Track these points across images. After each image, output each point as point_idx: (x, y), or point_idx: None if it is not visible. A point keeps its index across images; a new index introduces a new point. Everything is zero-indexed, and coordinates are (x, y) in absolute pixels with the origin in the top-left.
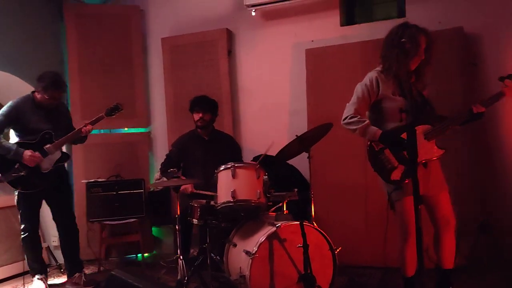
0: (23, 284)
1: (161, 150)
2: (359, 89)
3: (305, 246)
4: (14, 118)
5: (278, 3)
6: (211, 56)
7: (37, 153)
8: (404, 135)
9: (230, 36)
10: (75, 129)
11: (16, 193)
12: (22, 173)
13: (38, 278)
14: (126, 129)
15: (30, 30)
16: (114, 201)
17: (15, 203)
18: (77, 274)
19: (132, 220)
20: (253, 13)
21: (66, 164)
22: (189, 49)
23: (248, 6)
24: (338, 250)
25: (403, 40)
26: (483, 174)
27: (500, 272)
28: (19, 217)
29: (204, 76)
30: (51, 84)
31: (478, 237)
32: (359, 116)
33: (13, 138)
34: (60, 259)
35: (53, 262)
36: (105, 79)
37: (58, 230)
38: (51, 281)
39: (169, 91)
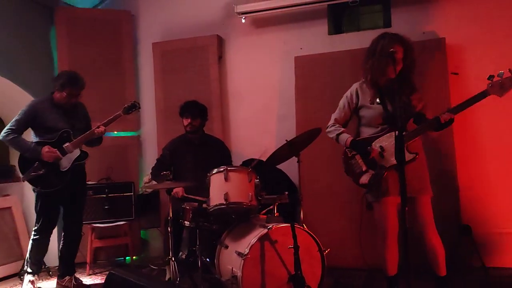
0: (18, 284)
1: (150, 154)
2: (341, 101)
3: (296, 248)
4: (33, 117)
5: (268, 11)
6: (202, 61)
7: (54, 149)
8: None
9: (220, 42)
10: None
11: (35, 194)
12: (41, 172)
13: (29, 280)
14: (116, 132)
15: (21, 33)
16: (104, 203)
17: (34, 204)
18: (67, 277)
19: (122, 223)
20: (243, 21)
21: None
22: (180, 54)
23: (239, 13)
24: (326, 251)
25: (391, 50)
26: (463, 179)
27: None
28: (36, 217)
29: (194, 81)
30: (68, 81)
31: (458, 240)
32: (337, 125)
33: (32, 139)
34: (49, 262)
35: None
36: (95, 83)
37: (64, 231)
38: (40, 283)
39: (159, 95)
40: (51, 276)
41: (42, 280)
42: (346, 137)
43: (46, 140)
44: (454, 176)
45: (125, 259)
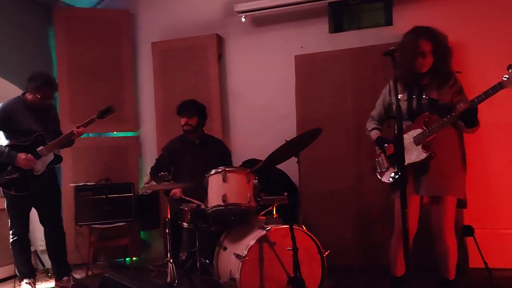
0: (17, 285)
1: (150, 154)
2: (380, 96)
3: (295, 249)
4: (5, 120)
5: (268, 9)
6: (201, 61)
7: (30, 156)
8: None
9: (220, 41)
10: (62, 133)
11: (6, 198)
12: (15, 176)
13: (26, 282)
14: (115, 132)
15: (19, 33)
16: (103, 204)
17: (5, 207)
18: (65, 278)
19: (121, 224)
20: (243, 19)
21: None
22: (179, 53)
23: (238, 12)
24: (326, 253)
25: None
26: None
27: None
28: (9, 221)
29: (194, 81)
30: (43, 83)
31: (461, 240)
32: (373, 121)
33: (3, 141)
34: (48, 263)
35: (40, 266)
36: (94, 83)
37: (45, 234)
38: (39, 285)
39: (158, 95)
40: (50, 277)
41: (41, 282)
42: (374, 134)
43: (20, 144)
44: None
45: (125, 260)
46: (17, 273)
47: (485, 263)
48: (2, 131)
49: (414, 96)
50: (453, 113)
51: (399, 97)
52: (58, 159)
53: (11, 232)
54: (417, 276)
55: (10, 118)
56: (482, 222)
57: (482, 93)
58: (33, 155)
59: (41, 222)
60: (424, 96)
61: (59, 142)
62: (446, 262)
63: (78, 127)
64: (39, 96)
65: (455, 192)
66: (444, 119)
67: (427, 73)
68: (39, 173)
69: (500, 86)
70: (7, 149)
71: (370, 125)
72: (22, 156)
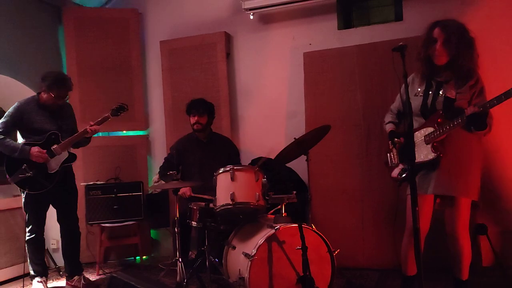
0: (23, 286)
1: (159, 153)
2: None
3: (304, 248)
4: (19, 119)
5: (276, 6)
6: (210, 59)
7: (44, 150)
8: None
9: (228, 39)
10: (79, 131)
11: (24, 195)
12: (29, 174)
13: (38, 281)
14: (124, 131)
15: (29, 33)
16: (113, 203)
17: (22, 205)
18: (76, 277)
19: (131, 222)
20: (251, 17)
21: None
22: (188, 52)
23: (246, 9)
24: (336, 252)
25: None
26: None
27: (497, 273)
28: (26, 219)
29: (202, 79)
30: (55, 82)
31: (474, 238)
32: (391, 115)
33: (19, 140)
34: (59, 262)
35: (52, 265)
36: (103, 82)
37: (61, 232)
38: (50, 283)
39: (167, 94)
40: (61, 276)
41: (53, 280)
42: (388, 127)
43: (34, 142)
44: None
45: (135, 259)
46: (30, 271)
47: (499, 262)
48: (18, 130)
49: (430, 92)
50: (463, 117)
51: (415, 92)
52: (72, 157)
53: (27, 229)
54: (428, 276)
55: (23, 117)
56: (496, 220)
57: (495, 98)
58: (47, 154)
59: (58, 220)
60: (441, 94)
61: (72, 140)
62: (460, 263)
63: (91, 125)
64: (52, 96)
65: (469, 194)
66: (455, 122)
67: (446, 68)
68: (54, 171)
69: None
70: (21, 145)
71: (387, 117)
72: (35, 149)
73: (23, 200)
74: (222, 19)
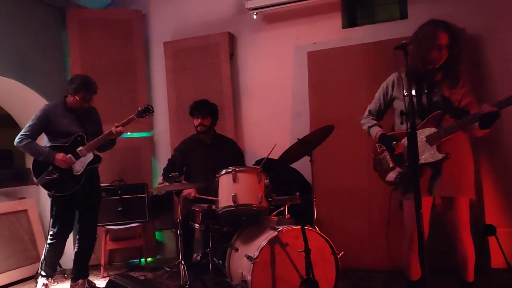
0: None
1: (164, 155)
2: (378, 91)
3: (307, 251)
4: (46, 122)
5: (279, 6)
6: (213, 59)
7: (69, 155)
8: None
9: (232, 39)
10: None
11: (50, 198)
12: (55, 175)
13: (44, 283)
14: (129, 133)
15: (34, 36)
16: (117, 205)
17: (49, 208)
18: (80, 281)
19: (136, 224)
20: (255, 16)
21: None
22: (191, 53)
23: (250, 9)
24: (340, 254)
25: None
26: (487, 176)
27: (507, 275)
28: (50, 221)
29: (206, 80)
30: (81, 86)
31: (483, 239)
32: (370, 117)
33: (45, 143)
34: (65, 264)
35: (58, 268)
36: (108, 84)
37: (79, 234)
38: (54, 286)
39: (171, 95)
40: (66, 278)
41: (58, 283)
42: (376, 131)
43: (60, 144)
44: (477, 172)
45: (140, 261)
46: (40, 271)
47: (508, 263)
48: (45, 133)
49: (424, 93)
50: (476, 114)
51: (406, 93)
52: (97, 159)
53: (50, 232)
54: (432, 279)
55: (49, 120)
56: (505, 221)
57: (506, 98)
58: (73, 156)
59: (78, 221)
60: (436, 94)
61: (98, 142)
62: (465, 265)
63: (116, 127)
64: (78, 99)
65: (468, 193)
66: (465, 119)
67: (439, 69)
68: (79, 173)
69: None
70: (47, 149)
71: (369, 121)
72: (60, 155)
73: (50, 203)
74: (226, 19)
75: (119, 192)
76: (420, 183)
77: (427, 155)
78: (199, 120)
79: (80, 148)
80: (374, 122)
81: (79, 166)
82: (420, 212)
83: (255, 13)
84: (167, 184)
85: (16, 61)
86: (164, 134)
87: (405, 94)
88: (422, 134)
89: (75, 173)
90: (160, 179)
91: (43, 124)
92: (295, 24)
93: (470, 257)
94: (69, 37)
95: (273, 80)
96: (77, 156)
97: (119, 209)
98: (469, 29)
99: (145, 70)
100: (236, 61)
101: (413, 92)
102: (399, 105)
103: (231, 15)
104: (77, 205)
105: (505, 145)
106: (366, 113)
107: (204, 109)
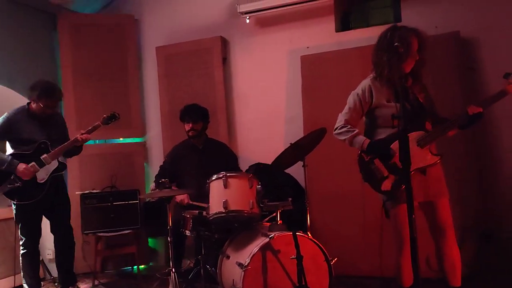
0: None
1: (156, 160)
2: (351, 99)
3: (299, 257)
4: (8, 129)
5: (272, 9)
6: (206, 64)
7: (31, 165)
8: (393, 144)
9: (224, 43)
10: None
11: (14, 206)
12: (18, 184)
13: None
14: (121, 139)
15: (24, 40)
16: (109, 212)
17: (14, 216)
18: None
19: (128, 231)
20: (247, 21)
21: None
22: (184, 57)
23: (242, 13)
24: (334, 261)
25: (395, 44)
26: (486, 181)
27: (504, 281)
28: (18, 231)
29: (199, 85)
30: (44, 92)
31: (480, 245)
32: (349, 126)
33: (9, 151)
34: (55, 272)
35: (48, 276)
36: (99, 89)
37: (55, 243)
38: None
39: (164, 100)
40: (56, 287)
41: None
42: (362, 140)
43: (23, 152)
44: (475, 177)
45: (132, 268)
46: (24, 284)
47: (507, 269)
48: (7, 140)
49: (403, 98)
50: (464, 115)
51: (386, 99)
52: (62, 166)
53: (20, 243)
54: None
55: (12, 127)
56: (502, 226)
57: (488, 97)
58: (36, 163)
59: (51, 231)
60: (412, 98)
61: (62, 149)
62: (454, 270)
63: (81, 134)
64: (41, 105)
65: (447, 193)
66: (454, 121)
67: (408, 75)
68: (43, 181)
69: (503, 93)
70: (9, 158)
71: (348, 130)
72: (22, 166)
73: (14, 212)
74: (218, 23)
75: (111, 198)
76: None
77: (420, 159)
78: (190, 125)
79: (44, 155)
80: (356, 131)
81: (43, 174)
82: (413, 218)
83: (247, 17)
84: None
85: (6, 67)
86: (156, 139)
87: (387, 101)
88: (412, 139)
89: (39, 181)
90: (152, 185)
91: (5, 132)
92: (288, 28)
93: (458, 262)
94: (60, 42)
95: (266, 84)
96: (41, 164)
97: (111, 215)
98: (463, 32)
99: (137, 75)
100: (229, 66)
101: (393, 100)
102: (383, 112)
103: (224, 19)
104: (44, 213)
105: (500, 144)
106: (342, 123)
107: (195, 114)
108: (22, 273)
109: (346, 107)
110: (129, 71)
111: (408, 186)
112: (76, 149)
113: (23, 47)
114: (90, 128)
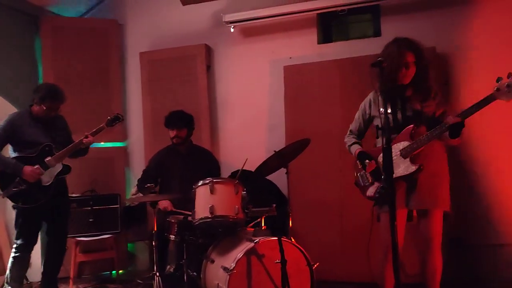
0: None
1: (138, 165)
2: (358, 110)
3: (283, 262)
4: (11, 132)
5: (256, 20)
6: (190, 71)
7: (37, 167)
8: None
9: (209, 51)
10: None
11: (15, 210)
12: (23, 187)
13: None
14: (102, 143)
15: (4, 43)
16: (88, 216)
17: (14, 220)
18: None
19: (107, 236)
20: (232, 30)
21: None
22: (168, 64)
23: (227, 22)
24: (315, 265)
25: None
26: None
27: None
28: (15, 234)
29: (182, 91)
30: (48, 95)
31: (449, 253)
32: (351, 136)
33: (11, 154)
34: (32, 277)
35: (24, 281)
36: (81, 93)
37: (47, 246)
38: None
39: (146, 105)
40: None
41: None
42: (355, 148)
43: (27, 155)
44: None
45: (111, 273)
46: (6, 285)
47: (475, 277)
48: (9, 143)
49: (398, 109)
50: (442, 126)
51: (382, 110)
52: (66, 169)
53: (14, 246)
54: None
55: (15, 130)
56: (471, 234)
57: (473, 105)
58: (41, 166)
59: (47, 233)
60: (408, 108)
61: (67, 152)
62: (434, 276)
63: (86, 136)
64: (44, 108)
65: (443, 205)
66: (433, 131)
67: (409, 85)
68: (48, 184)
69: (492, 97)
70: (14, 160)
71: (350, 139)
72: (28, 168)
73: (14, 215)
74: (203, 31)
75: (91, 202)
76: (396, 196)
77: (402, 168)
78: (175, 132)
79: (49, 158)
80: (354, 140)
81: (47, 177)
82: (395, 225)
83: (232, 27)
84: (141, 195)
85: None
86: (138, 144)
87: (380, 111)
88: (397, 149)
89: (43, 184)
90: (134, 190)
91: (8, 134)
92: (271, 38)
93: (439, 272)
94: (42, 45)
95: (249, 92)
96: (46, 167)
97: (90, 220)
98: (438, 48)
99: (120, 79)
100: (213, 73)
101: (389, 110)
102: (377, 122)
103: (209, 27)
104: (44, 217)
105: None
106: (348, 132)
107: (180, 120)
108: (8, 275)
109: (355, 117)
110: (112, 75)
111: (391, 194)
112: (81, 151)
113: (4, 49)
114: (94, 130)
